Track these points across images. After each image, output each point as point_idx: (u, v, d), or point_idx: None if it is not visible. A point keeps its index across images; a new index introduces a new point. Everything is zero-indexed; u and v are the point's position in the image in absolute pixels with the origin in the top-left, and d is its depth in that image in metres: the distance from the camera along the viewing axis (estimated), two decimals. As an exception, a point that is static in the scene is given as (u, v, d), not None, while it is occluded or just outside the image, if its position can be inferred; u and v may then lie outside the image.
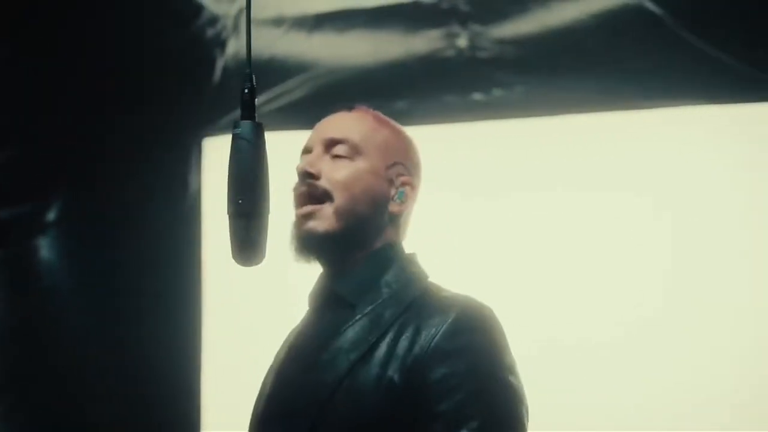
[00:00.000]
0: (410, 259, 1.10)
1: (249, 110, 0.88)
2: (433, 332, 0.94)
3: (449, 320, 0.95)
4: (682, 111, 2.12)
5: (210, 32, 2.45)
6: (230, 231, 0.91)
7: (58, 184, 2.58)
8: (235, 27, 2.44)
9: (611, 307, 2.11)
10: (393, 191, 1.09)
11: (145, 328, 2.50)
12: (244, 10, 2.54)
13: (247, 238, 0.89)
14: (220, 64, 2.45)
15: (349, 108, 1.17)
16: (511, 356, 0.99)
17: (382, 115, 1.18)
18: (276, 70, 2.42)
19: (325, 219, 1.05)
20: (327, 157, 1.08)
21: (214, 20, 2.44)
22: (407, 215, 1.13)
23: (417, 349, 0.93)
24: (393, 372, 0.93)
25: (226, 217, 0.89)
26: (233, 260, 0.93)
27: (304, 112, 2.43)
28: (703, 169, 2.09)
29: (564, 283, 2.15)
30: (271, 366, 1.15)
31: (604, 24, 2.15)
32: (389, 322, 0.96)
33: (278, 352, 1.16)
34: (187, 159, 2.54)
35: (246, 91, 0.88)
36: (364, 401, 0.94)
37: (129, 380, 2.51)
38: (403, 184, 1.11)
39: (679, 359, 2.05)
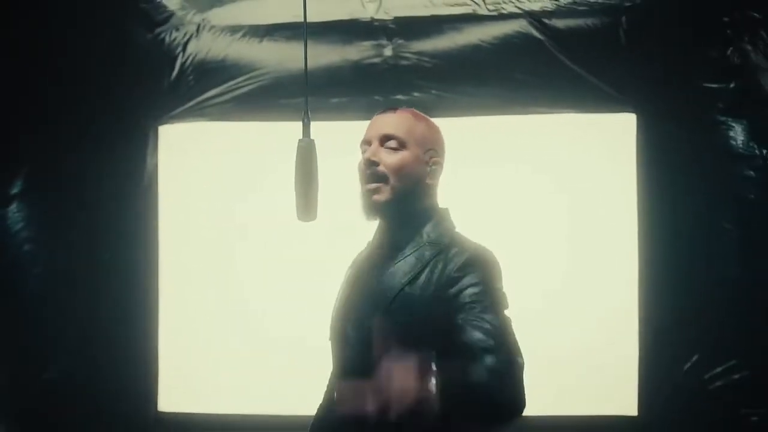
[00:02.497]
0: (443, 215, 1.51)
1: (307, 129, 1.38)
2: (455, 262, 1.41)
3: (464, 257, 1.43)
4: (556, 116, 2.68)
5: (175, 35, 2.77)
6: (297, 200, 1.42)
7: (22, 161, 2.77)
8: (198, 31, 2.77)
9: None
10: (427, 169, 1.50)
11: (104, 300, 2.74)
12: (207, 19, 2.83)
13: (309, 204, 1.41)
14: (179, 62, 2.77)
15: (394, 109, 1.53)
16: (502, 282, 1.45)
17: (418, 112, 1.55)
18: (228, 69, 2.77)
19: (384, 193, 1.45)
20: (383, 149, 1.47)
21: (180, 25, 2.76)
22: (437, 184, 1.56)
23: (446, 272, 1.41)
24: (435, 289, 1.39)
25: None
26: (298, 219, 1.43)
27: (251, 106, 2.78)
28: (573, 161, 2.68)
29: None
30: (343, 283, 1.59)
31: (501, 45, 2.68)
32: (429, 259, 1.43)
33: (348, 273, 1.60)
34: (144, 143, 2.83)
35: (306, 119, 1.38)
36: (413, 308, 1.40)
37: (86, 346, 2.74)
38: (434, 163, 1.51)
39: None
